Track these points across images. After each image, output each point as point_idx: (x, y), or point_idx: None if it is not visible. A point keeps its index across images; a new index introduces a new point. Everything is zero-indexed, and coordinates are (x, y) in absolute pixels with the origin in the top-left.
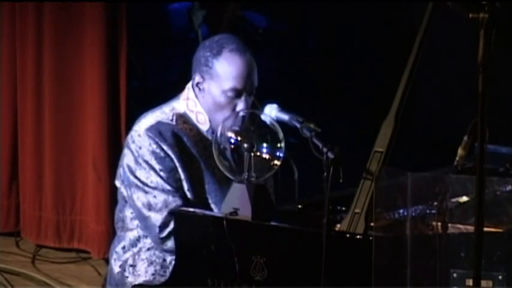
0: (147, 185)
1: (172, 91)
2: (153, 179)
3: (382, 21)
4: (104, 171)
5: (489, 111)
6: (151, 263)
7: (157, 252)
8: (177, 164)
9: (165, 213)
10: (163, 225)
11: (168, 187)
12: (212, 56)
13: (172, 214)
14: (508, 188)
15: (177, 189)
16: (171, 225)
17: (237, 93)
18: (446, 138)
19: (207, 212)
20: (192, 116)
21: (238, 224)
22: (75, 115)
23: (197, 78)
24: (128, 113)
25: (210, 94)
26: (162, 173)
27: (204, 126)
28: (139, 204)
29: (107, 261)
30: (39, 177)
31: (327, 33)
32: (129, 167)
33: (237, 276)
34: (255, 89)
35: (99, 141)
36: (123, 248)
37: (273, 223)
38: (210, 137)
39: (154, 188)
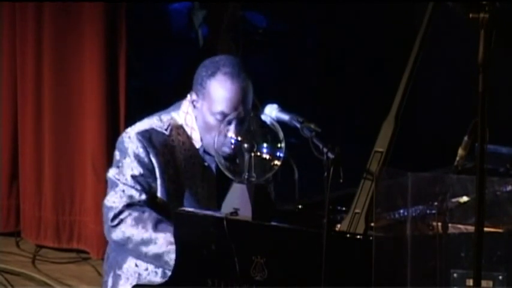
0: (119, 180)
1: (172, 91)
2: (128, 178)
3: (382, 21)
4: (103, 172)
5: (489, 111)
6: (127, 278)
7: (132, 266)
8: (158, 174)
9: (124, 204)
10: (118, 213)
11: (138, 186)
12: (207, 76)
13: (129, 206)
14: (508, 188)
15: (146, 192)
16: (123, 215)
17: (225, 117)
18: (447, 138)
19: (207, 212)
20: (188, 131)
21: (239, 224)
22: (74, 115)
23: (193, 95)
24: (128, 113)
25: (201, 113)
26: (138, 176)
27: (197, 144)
28: (107, 196)
29: None
30: (39, 177)
31: (327, 33)
32: (112, 167)
33: (237, 276)
34: (248, 112)
35: (98, 141)
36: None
37: (273, 223)
38: (201, 154)
39: (124, 183)
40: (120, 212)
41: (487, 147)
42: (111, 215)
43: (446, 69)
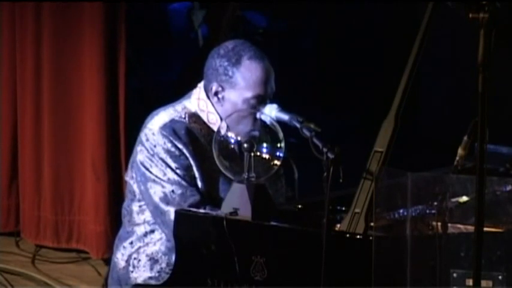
0: (164, 181)
1: (172, 91)
2: (170, 176)
3: (382, 21)
4: (102, 171)
5: (489, 111)
6: (156, 260)
7: (162, 249)
8: (192, 163)
9: (183, 207)
10: None
11: (184, 183)
12: (231, 65)
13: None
14: (508, 188)
15: (193, 186)
16: None
17: (260, 100)
18: (447, 138)
19: (208, 212)
20: (203, 116)
21: (238, 224)
22: (74, 115)
23: (215, 87)
24: (127, 113)
25: (230, 102)
26: (178, 171)
27: (215, 127)
28: (156, 198)
29: (106, 261)
30: (39, 177)
31: (326, 33)
32: (143, 163)
33: (237, 276)
34: (272, 94)
35: (98, 141)
36: (131, 243)
37: (273, 223)
38: None
39: (172, 183)
40: None
41: (487, 147)
42: (174, 220)
43: (446, 69)
